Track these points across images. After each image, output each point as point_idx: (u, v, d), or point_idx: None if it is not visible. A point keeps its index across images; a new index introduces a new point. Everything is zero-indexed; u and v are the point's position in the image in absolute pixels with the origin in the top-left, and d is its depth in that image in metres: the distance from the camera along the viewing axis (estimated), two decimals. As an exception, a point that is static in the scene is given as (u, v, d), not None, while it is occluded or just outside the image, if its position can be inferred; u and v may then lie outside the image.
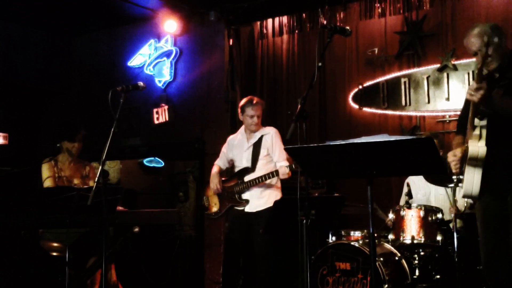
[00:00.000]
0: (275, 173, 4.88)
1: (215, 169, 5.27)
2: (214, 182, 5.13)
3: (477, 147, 3.22)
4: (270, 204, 4.81)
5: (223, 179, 5.22)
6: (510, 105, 3.24)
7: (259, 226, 4.86)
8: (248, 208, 5.01)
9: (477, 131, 3.28)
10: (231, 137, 5.38)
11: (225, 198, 5.14)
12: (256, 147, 5.05)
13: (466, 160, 3.28)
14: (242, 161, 5.11)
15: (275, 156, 5.03)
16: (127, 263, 5.55)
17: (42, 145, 8.20)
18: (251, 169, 5.02)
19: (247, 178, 5.03)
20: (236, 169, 5.19)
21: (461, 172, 3.36)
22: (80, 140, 4.87)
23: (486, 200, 3.42)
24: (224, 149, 5.36)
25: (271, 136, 5.04)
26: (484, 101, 3.15)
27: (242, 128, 5.24)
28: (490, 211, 3.42)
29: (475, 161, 3.22)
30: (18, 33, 7.91)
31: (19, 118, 8.30)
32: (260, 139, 5.06)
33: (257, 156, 5.03)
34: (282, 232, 4.87)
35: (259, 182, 4.94)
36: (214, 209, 5.22)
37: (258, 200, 4.98)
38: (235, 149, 5.20)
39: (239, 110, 5.14)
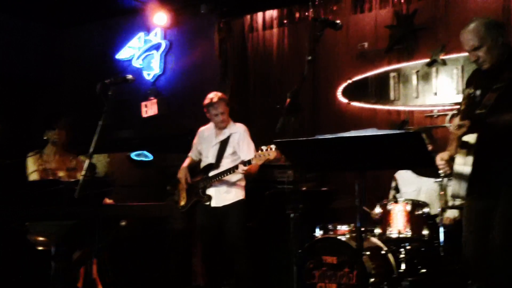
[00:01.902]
0: (234, 168, 4.85)
1: (186, 162, 5.29)
2: (182, 176, 5.15)
3: (463, 165, 3.22)
4: (238, 197, 4.84)
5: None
6: (507, 121, 3.20)
7: (229, 220, 4.89)
8: (214, 203, 5.00)
9: (465, 148, 3.26)
10: (202, 128, 5.36)
11: (191, 193, 5.15)
12: (223, 145, 5.05)
13: (453, 162, 3.30)
14: (208, 156, 5.12)
15: (242, 153, 4.99)
16: (117, 256, 5.54)
17: (34, 138, 8.13)
18: (215, 166, 5.02)
19: (211, 174, 5.04)
20: (202, 163, 5.20)
21: (450, 173, 3.37)
22: (61, 127, 4.80)
23: (476, 199, 3.44)
24: (195, 140, 5.38)
25: (238, 134, 5.04)
26: (471, 132, 3.16)
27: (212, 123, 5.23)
28: (476, 209, 3.45)
29: (460, 176, 3.23)
30: (8, 24, 7.84)
31: (10, 111, 8.22)
32: (228, 137, 5.06)
33: (222, 153, 5.03)
34: (271, 225, 4.90)
35: (220, 178, 4.94)
36: (182, 203, 5.23)
37: (226, 194, 4.99)
38: (204, 143, 5.22)
39: (204, 110, 5.13)
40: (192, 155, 5.36)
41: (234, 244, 4.91)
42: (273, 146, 4.60)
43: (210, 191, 5.02)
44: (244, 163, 4.79)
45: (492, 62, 3.34)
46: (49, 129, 4.80)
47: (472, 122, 3.12)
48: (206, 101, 5.07)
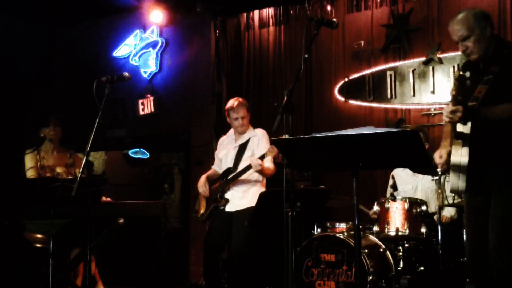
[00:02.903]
0: (248, 167, 4.81)
1: (207, 173, 5.25)
2: (201, 185, 5.13)
3: (459, 156, 3.21)
4: (252, 204, 4.79)
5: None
6: (503, 111, 3.18)
7: (238, 225, 4.83)
8: (228, 208, 4.97)
9: (459, 138, 3.25)
10: (222, 138, 5.36)
11: (210, 200, 5.13)
12: (242, 148, 5.03)
13: (449, 156, 3.29)
14: (228, 161, 5.09)
15: (257, 152, 4.96)
16: (112, 254, 5.53)
17: (27, 137, 8.11)
18: (233, 169, 5.00)
19: (229, 177, 5.02)
20: (222, 170, 5.18)
21: (447, 170, 3.36)
22: (55, 124, 4.84)
23: (471, 197, 3.44)
24: (216, 151, 5.35)
25: (258, 138, 5.03)
26: (464, 119, 3.14)
27: (232, 129, 5.22)
28: (474, 207, 3.44)
29: (458, 168, 3.22)
30: (1, 23, 7.78)
31: (3, 110, 8.19)
32: (248, 141, 5.05)
33: (240, 156, 5.00)
34: (267, 224, 4.88)
35: (236, 178, 4.92)
36: (201, 211, 5.20)
37: (240, 200, 4.94)
38: (223, 150, 5.19)
39: (225, 114, 5.13)
40: (215, 166, 5.30)
41: (238, 250, 4.86)
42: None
43: (227, 195, 5.00)
44: (247, 167, 4.78)
45: (480, 53, 3.32)
46: (44, 127, 4.81)
47: (464, 110, 3.11)
48: (228, 105, 5.07)
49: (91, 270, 4.29)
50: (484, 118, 3.17)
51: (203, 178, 5.16)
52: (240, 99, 5.08)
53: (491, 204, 3.30)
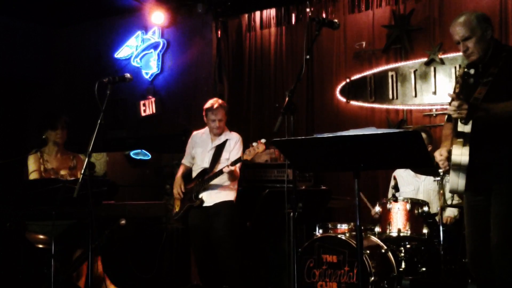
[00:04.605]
0: (221, 171, 4.88)
1: (180, 171, 5.28)
2: (176, 187, 5.15)
3: (460, 155, 3.22)
4: (229, 198, 4.86)
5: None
6: (508, 106, 3.22)
7: (218, 219, 4.92)
8: (206, 204, 5.03)
9: (460, 137, 3.27)
10: (195, 133, 5.37)
11: (185, 199, 5.16)
12: (219, 150, 5.07)
13: (450, 155, 3.30)
14: (204, 161, 5.12)
15: (231, 156, 5.03)
16: (114, 255, 5.53)
17: (28, 137, 8.12)
18: (210, 170, 5.03)
19: (205, 178, 5.06)
20: (195, 167, 5.20)
21: (448, 169, 3.37)
22: (63, 127, 4.84)
23: (471, 196, 3.45)
24: (188, 145, 5.37)
25: (234, 141, 5.08)
26: (468, 115, 3.16)
27: (207, 127, 5.24)
28: (474, 206, 3.45)
29: (458, 167, 3.24)
30: (2, 24, 7.79)
31: (4, 111, 8.20)
32: (224, 142, 5.08)
33: (217, 158, 5.05)
34: (269, 225, 4.89)
35: (213, 179, 4.95)
36: (176, 210, 5.24)
37: (216, 195, 5.00)
38: (198, 148, 5.22)
39: (203, 113, 5.14)
40: (186, 161, 5.35)
41: (220, 242, 4.92)
42: (263, 140, 4.69)
43: (202, 195, 5.04)
44: (232, 163, 4.84)
45: (480, 54, 3.39)
46: (51, 129, 4.80)
47: (469, 105, 3.14)
48: (207, 105, 5.09)
49: (93, 271, 4.28)
50: (486, 113, 3.19)
51: (178, 178, 5.19)
52: (220, 101, 5.11)
53: (492, 203, 3.31)
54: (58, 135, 4.83)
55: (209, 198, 5.03)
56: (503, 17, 5.72)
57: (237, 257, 4.97)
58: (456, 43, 3.47)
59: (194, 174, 5.20)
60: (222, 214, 4.95)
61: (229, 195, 5.04)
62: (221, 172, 4.89)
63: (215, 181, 4.98)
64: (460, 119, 3.21)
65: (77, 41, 8.33)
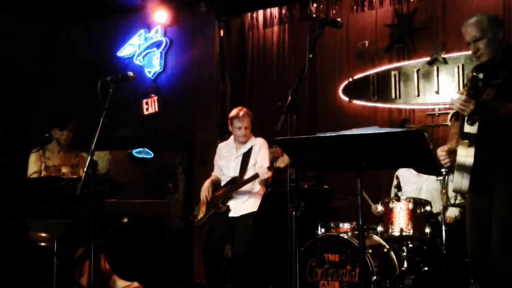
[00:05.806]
0: (256, 175, 4.85)
1: (209, 179, 5.26)
2: (203, 191, 5.13)
3: (465, 157, 3.22)
4: (254, 209, 4.82)
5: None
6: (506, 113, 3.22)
7: (242, 229, 4.87)
8: (232, 213, 5.00)
9: (466, 139, 3.27)
10: (220, 145, 5.38)
11: (210, 206, 5.14)
12: (246, 157, 5.06)
13: (454, 155, 3.30)
14: (230, 170, 5.10)
15: (258, 161, 5.01)
16: (116, 254, 5.54)
17: (30, 136, 8.13)
18: (239, 177, 5.01)
19: (235, 185, 5.04)
20: (223, 178, 5.18)
21: (451, 166, 3.37)
22: (70, 129, 4.85)
23: (473, 196, 3.45)
24: (215, 157, 5.36)
25: (258, 146, 5.06)
26: (474, 113, 3.16)
27: (232, 137, 5.23)
28: (476, 206, 3.45)
29: (462, 168, 3.23)
30: (5, 23, 7.79)
31: (6, 110, 8.20)
32: (250, 149, 5.07)
33: (245, 165, 5.03)
34: (271, 224, 4.88)
35: (242, 186, 4.93)
36: (200, 216, 5.22)
37: (243, 205, 4.97)
38: (223, 159, 5.20)
39: (228, 121, 5.15)
40: (215, 172, 5.34)
41: (241, 254, 4.88)
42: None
43: (229, 203, 5.01)
44: (268, 168, 4.79)
45: (490, 55, 3.38)
46: (59, 129, 4.80)
47: (476, 103, 3.13)
48: (232, 113, 5.10)
49: (98, 269, 4.30)
50: (494, 112, 3.19)
51: (207, 183, 5.17)
52: (245, 109, 5.11)
53: (494, 202, 3.31)
54: (64, 136, 4.84)
55: (236, 207, 4.98)
56: (506, 16, 5.70)
57: (254, 270, 4.94)
58: (466, 43, 3.46)
59: (222, 184, 5.19)
60: (245, 229, 4.84)
61: (255, 205, 4.80)
62: (252, 178, 4.87)
63: (244, 187, 4.96)
64: (467, 120, 3.20)
65: (79, 40, 8.33)
